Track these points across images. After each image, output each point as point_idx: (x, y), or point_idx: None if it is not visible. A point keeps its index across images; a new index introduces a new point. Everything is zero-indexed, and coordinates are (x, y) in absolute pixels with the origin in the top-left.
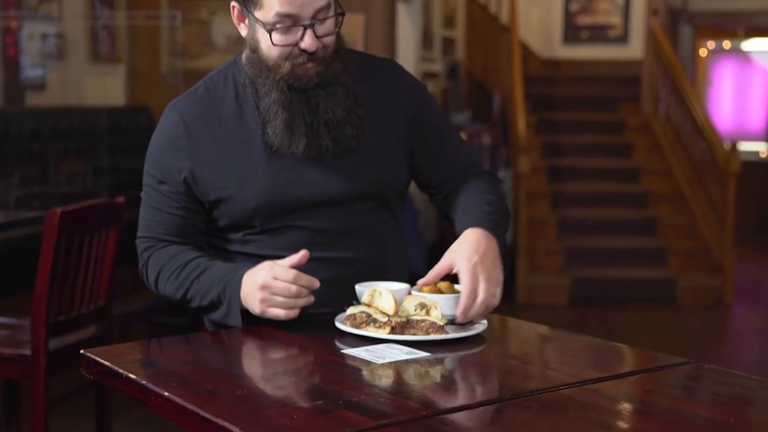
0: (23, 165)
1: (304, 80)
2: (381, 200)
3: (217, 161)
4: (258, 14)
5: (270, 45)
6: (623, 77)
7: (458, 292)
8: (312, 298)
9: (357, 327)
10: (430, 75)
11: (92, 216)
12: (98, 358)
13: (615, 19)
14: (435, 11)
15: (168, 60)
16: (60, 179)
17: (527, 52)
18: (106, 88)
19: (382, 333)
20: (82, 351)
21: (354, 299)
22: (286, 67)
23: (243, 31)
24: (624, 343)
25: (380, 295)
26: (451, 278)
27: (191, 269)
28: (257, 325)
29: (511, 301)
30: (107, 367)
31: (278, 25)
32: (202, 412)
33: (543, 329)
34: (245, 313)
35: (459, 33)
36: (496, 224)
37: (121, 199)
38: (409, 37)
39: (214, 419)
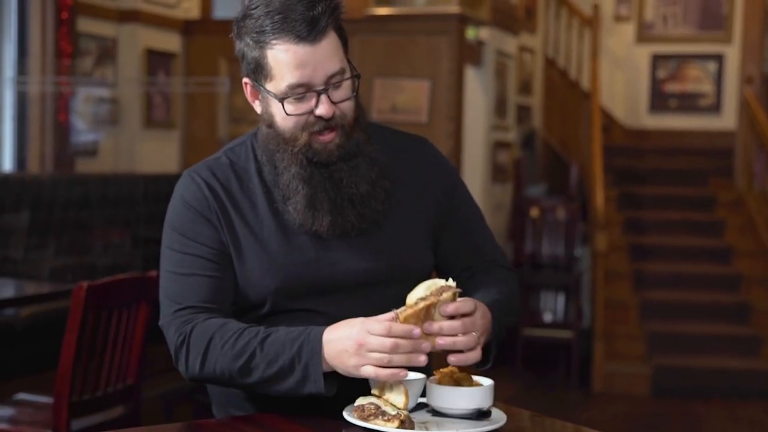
0: (68, 233)
1: (323, 155)
2: (406, 284)
3: (240, 236)
4: (269, 86)
5: (284, 116)
6: (715, 149)
7: (478, 384)
8: (422, 358)
9: (364, 420)
10: (502, 144)
11: (121, 291)
12: None
13: (706, 87)
14: (510, 77)
15: (225, 126)
16: (98, 249)
17: (610, 121)
18: (161, 155)
19: (391, 427)
20: None
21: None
22: (304, 138)
23: (258, 108)
24: None
25: (391, 387)
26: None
27: (251, 335)
28: (258, 414)
29: (585, 390)
30: None
31: (290, 95)
32: None
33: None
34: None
35: (536, 100)
36: (501, 312)
37: (153, 272)
38: (479, 105)
39: None
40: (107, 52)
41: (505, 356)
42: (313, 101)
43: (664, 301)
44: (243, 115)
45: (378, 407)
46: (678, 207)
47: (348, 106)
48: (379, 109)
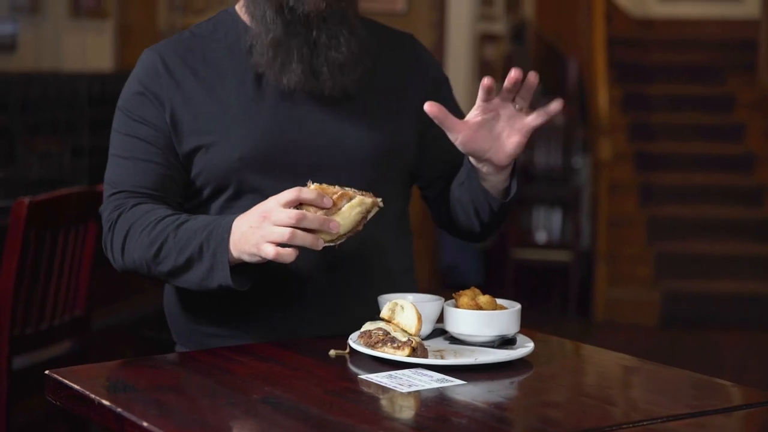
0: None
1: (310, 4)
2: (388, 171)
3: (199, 102)
4: None
5: None
6: (734, 41)
7: (503, 308)
8: (320, 242)
9: (371, 347)
10: (490, 37)
11: (68, 207)
12: (66, 381)
13: None
14: None
15: (167, 15)
16: (31, 161)
17: (613, 9)
18: (90, 50)
19: (400, 355)
20: (47, 372)
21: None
22: None
23: None
24: (729, 376)
25: (402, 310)
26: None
27: (169, 222)
28: (253, 344)
29: (586, 319)
30: (76, 391)
31: None
32: None
33: (619, 356)
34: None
35: None
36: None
37: (101, 187)
38: None
39: None
40: None
41: (493, 281)
42: None
43: (676, 217)
44: (187, 2)
45: (387, 333)
46: (692, 108)
47: None
48: None
